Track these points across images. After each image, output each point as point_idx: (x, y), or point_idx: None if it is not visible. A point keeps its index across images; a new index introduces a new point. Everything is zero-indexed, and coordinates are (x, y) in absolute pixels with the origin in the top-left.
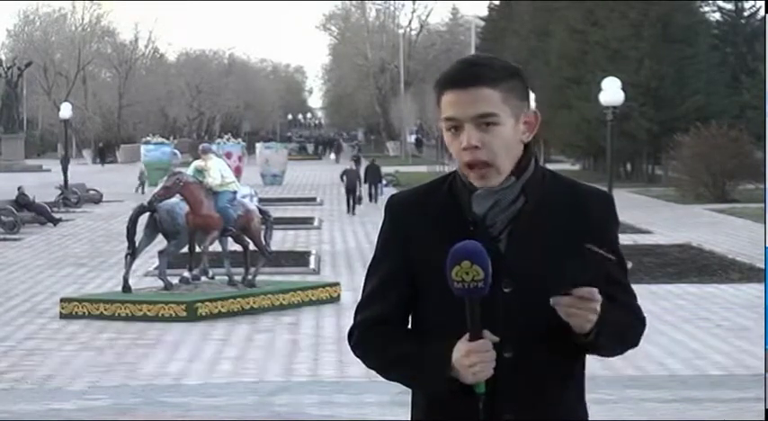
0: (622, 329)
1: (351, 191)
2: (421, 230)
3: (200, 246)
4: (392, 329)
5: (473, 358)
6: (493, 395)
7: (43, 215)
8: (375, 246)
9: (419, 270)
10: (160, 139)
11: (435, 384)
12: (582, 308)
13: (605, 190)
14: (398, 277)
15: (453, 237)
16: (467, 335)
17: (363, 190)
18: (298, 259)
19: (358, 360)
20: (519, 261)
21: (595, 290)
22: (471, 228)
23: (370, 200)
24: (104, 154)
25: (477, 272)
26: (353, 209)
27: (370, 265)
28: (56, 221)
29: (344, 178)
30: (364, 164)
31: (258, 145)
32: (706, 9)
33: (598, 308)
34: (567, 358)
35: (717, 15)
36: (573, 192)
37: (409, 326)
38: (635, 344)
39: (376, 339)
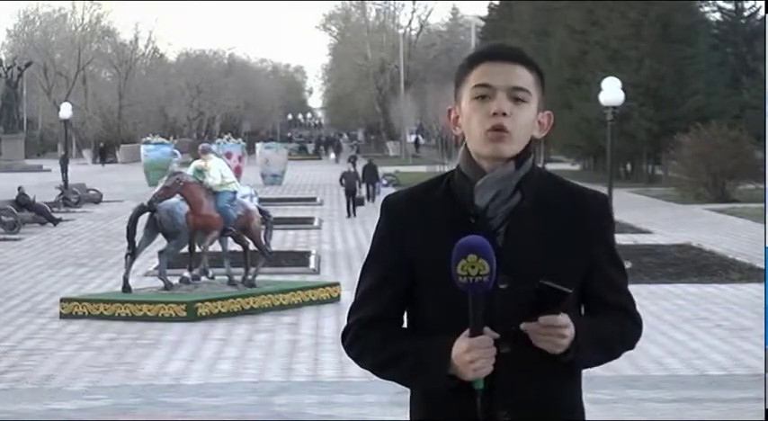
0: (607, 343)
1: (350, 193)
2: (419, 228)
3: (200, 246)
4: (388, 328)
5: (474, 354)
6: (490, 392)
7: (43, 215)
8: (370, 246)
9: (418, 267)
10: (160, 139)
11: (435, 381)
12: (548, 334)
13: (601, 191)
14: (393, 276)
15: (455, 230)
16: (466, 332)
17: (362, 190)
18: (298, 259)
19: None
20: (515, 257)
21: (559, 317)
22: (473, 221)
23: (368, 199)
24: (105, 154)
25: (483, 266)
26: (354, 211)
27: (365, 265)
28: (56, 221)
29: (343, 181)
30: (360, 163)
31: (258, 145)
32: (706, 9)
33: (566, 332)
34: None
35: (717, 15)
36: (569, 193)
37: (404, 325)
38: (629, 347)
39: (372, 338)
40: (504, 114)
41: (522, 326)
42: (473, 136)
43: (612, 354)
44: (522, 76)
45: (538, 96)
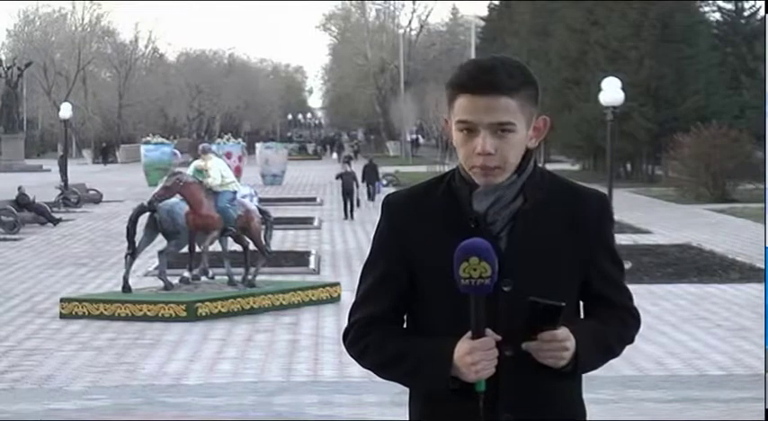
0: (608, 346)
1: (348, 194)
2: (419, 229)
3: (200, 246)
4: (389, 328)
5: (476, 356)
6: (493, 394)
7: (43, 215)
8: (371, 246)
9: (418, 268)
10: (160, 139)
11: (436, 382)
12: (550, 349)
13: (601, 190)
14: (394, 276)
15: (455, 234)
16: (469, 333)
17: (361, 189)
18: (298, 259)
19: None
20: (519, 260)
21: (558, 331)
22: (473, 226)
23: (368, 198)
24: (107, 154)
25: (485, 268)
26: (351, 213)
27: (366, 265)
28: (56, 221)
29: (341, 181)
30: (361, 163)
31: (258, 145)
32: (706, 9)
33: (568, 345)
34: None
35: (717, 15)
36: (570, 193)
37: (404, 325)
38: (629, 342)
39: (373, 338)
40: (490, 154)
41: (524, 345)
42: (463, 164)
43: (613, 355)
44: (505, 109)
45: (527, 115)
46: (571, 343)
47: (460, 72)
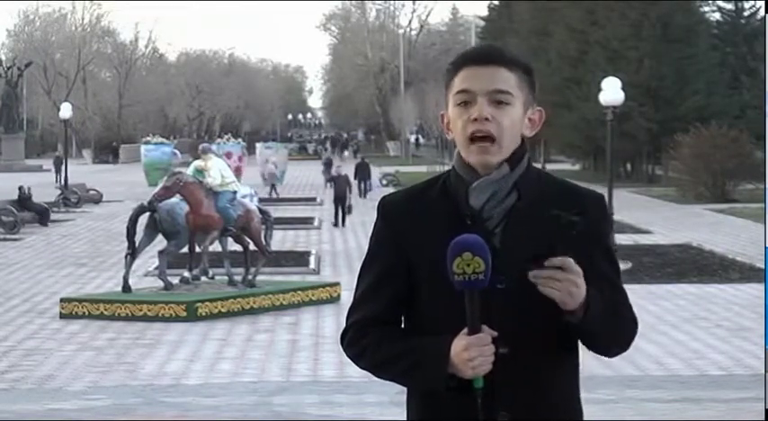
0: (613, 314)
1: (340, 199)
2: (416, 228)
3: (200, 246)
4: (386, 328)
5: (472, 352)
6: (489, 391)
7: (40, 213)
8: (368, 247)
9: (415, 268)
10: (160, 139)
11: (434, 380)
12: (560, 278)
13: (600, 191)
14: (391, 276)
15: (451, 231)
16: (465, 330)
17: (354, 187)
18: (298, 259)
19: None
20: (513, 257)
21: (569, 259)
22: (469, 222)
23: (360, 195)
24: (117, 152)
25: (478, 263)
26: (343, 220)
27: (363, 266)
28: (48, 221)
29: (332, 185)
30: (336, 166)
31: (258, 145)
32: (706, 9)
33: (578, 280)
34: (562, 353)
35: (717, 15)
36: (565, 192)
37: (402, 325)
38: (628, 342)
39: (370, 338)
40: (487, 119)
41: (531, 274)
42: (459, 142)
43: (616, 332)
44: (503, 79)
45: (523, 95)
46: (582, 281)
47: (463, 52)
